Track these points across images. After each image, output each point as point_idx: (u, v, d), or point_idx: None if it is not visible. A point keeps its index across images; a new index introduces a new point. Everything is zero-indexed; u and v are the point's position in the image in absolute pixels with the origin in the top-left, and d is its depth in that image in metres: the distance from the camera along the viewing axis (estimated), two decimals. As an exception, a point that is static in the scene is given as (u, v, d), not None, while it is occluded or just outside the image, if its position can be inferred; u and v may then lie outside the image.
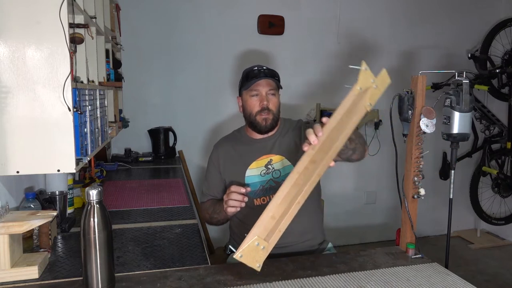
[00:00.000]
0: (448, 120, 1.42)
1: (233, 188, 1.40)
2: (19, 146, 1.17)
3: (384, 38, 3.49)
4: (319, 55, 3.35)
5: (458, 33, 3.65)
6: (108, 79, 2.00)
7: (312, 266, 1.25)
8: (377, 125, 3.33)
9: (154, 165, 2.84)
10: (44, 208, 1.46)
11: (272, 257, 1.18)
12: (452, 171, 1.55)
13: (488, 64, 3.43)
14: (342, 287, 1.12)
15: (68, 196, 1.68)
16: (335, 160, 1.48)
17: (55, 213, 1.24)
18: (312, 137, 1.06)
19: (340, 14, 3.38)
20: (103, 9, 1.91)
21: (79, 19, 1.44)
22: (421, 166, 1.32)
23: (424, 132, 1.30)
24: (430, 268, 1.26)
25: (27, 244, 1.30)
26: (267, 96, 1.60)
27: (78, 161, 1.25)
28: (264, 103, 1.59)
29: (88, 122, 1.40)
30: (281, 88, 1.66)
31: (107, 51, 2.04)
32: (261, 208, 1.06)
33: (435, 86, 3.19)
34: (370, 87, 1.10)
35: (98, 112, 1.60)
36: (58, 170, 1.20)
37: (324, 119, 1.09)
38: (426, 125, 1.28)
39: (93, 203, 1.02)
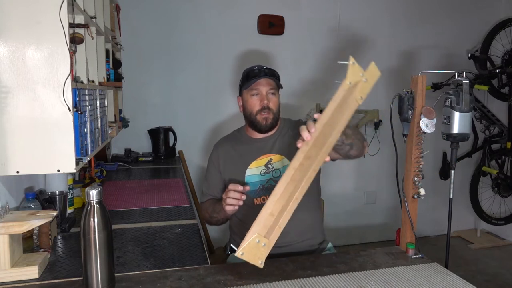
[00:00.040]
0: (448, 120, 1.42)
1: (231, 186, 1.41)
2: (19, 146, 1.17)
3: (384, 38, 3.49)
4: (319, 55, 3.35)
5: (458, 33, 3.65)
6: (108, 79, 2.00)
7: (312, 266, 1.25)
8: (377, 125, 3.33)
9: (154, 165, 2.84)
10: (44, 208, 1.46)
11: (272, 257, 1.18)
12: (452, 171, 1.55)
13: (488, 64, 3.43)
14: (342, 287, 1.12)
15: (68, 196, 1.68)
16: (334, 159, 1.49)
17: (55, 213, 1.24)
18: (305, 134, 1.07)
19: (340, 14, 3.38)
20: (103, 9, 1.91)
21: (79, 19, 1.44)
22: (421, 166, 1.32)
23: (424, 132, 1.30)
24: (430, 268, 1.26)
25: (27, 244, 1.30)
26: (268, 96, 1.61)
27: (78, 161, 1.25)
28: (265, 102, 1.59)
29: (88, 122, 1.40)
30: (281, 87, 1.66)
31: (107, 51, 2.04)
32: (261, 207, 1.07)
33: (435, 86, 3.19)
34: (359, 81, 1.11)
35: (98, 112, 1.60)
36: (58, 170, 1.20)
37: (316, 115, 1.10)
38: (426, 125, 1.28)
39: (93, 203, 1.02)
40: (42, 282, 1.14)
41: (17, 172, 1.18)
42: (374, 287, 1.13)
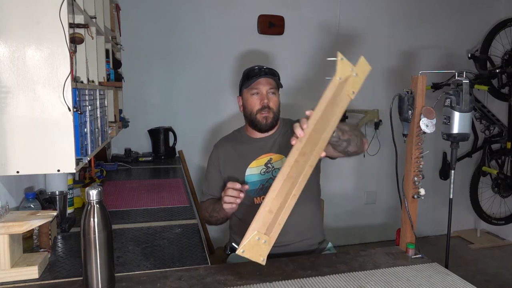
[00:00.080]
0: (448, 120, 1.42)
1: (230, 184, 1.41)
2: (19, 146, 1.17)
3: (384, 38, 3.49)
4: (319, 55, 3.35)
5: (458, 33, 3.65)
6: (108, 79, 2.00)
7: (312, 266, 1.25)
8: (377, 125, 3.33)
9: (154, 165, 2.84)
10: (44, 208, 1.46)
11: (272, 257, 1.18)
12: (452, 171, 1.55)
13: (488, 64, 3.43)
14: (342, 287, 1.12)
15: (68, 196, 1.68)
16: (334, 157, 1.51)
17: (55, 213, 1.24)
18: (298, 131, 1.08)
19: (340, 14, 3.38)
20: (103, 9, 1.91)
21: (79, 19, 1.44)
22: (421, 166, 1.32)
23: (424, 132, 1.30)
24: (430, 268, 1.26)
25: (27, 244, 1.30)
26: (268, 95, 1.61)
27: (78, 161, 1.25)
28: (265, 101, 1.60)
29: (88, 122, 1.40)
30: (282, 87, 1.67)
31: (107, 51, 2.04)
32: None
33: (435, 86, 3.19)
34: (350, 76, 1.12)
35: (98, 112, 1.60)
36: (58, 170, 1.20)
37: (308, 112, 1.11)
38: (426, 125, 1.28)
39: (93, 203, 1.02)
40: (42, 282, 1.14)
41: (17, 172, 1.18)
42: (374, 287, 1.12)
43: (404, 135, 1.35)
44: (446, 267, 1.31)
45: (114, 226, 1.49)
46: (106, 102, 1.87)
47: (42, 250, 1.31)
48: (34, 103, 1.16)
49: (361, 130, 1.52)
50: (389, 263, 1.28)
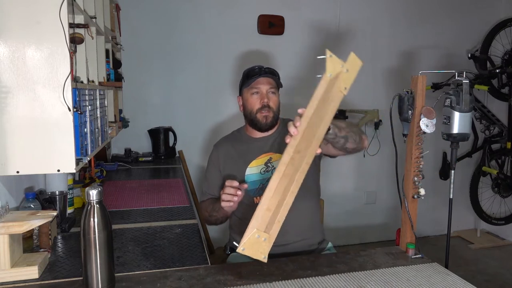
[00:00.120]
0: (448, 120, 1.42)
1: (227, 182, 1.41)
2: (19, 146, 1.17)
3: (384, 38, 3.49)
4: (319, 55, 3.33)
5: (458, 33, 3.65)
6: (108, 79, 2.00)
7: (312, 266, 1.25)
8: (377, 125, 3.33)
9: (154, 165, 2.84)
10: (44, 208, 1.46)
11: (272, 257, 1.18)
12: (452, 171, 1.55)
13: (488, 64, 3.42)
14: (342, 287, 1.12)
15: (68, 196, 1.68)
16: (334, 155, 1.52)
17: (55, 213, 1.24)
18: (291, 129, 1.10)
19: (340, 14, 3.38)
20: (103, 9, 1.91)
21: (79, 19, 1.44)
22: (421, 166, 1.32)
23: (424, 132, 1.30)
24: (430, 268, 1.26)
25: (27, 244, 1.30)
26: (268, 94, 1.62)
27: (78, 161, 1.25)
28: (265, 100, 1.61)
29: (88, 122, 1.40)
30: (281, 86, 1.67)
31: (107, 51, 2.04)
32: None
33: (435, 86, 3.19)
34: (341, 72, 1.13)
35: (98, 112, 1.60)
36: (58, 170, 1.20)
37: (300, 110, 1.12)
38: (426, 125, 1.28)
39: (93, 203, 1.02)
40: (42, 282, 1.14)
41: (17, 172, 1.18)
42: (374, 287, 1.12)
43: (404, 135, 1.35)
44: (446, 267, 1.31)
45: (114, 226, 1.49)
46: (106, 102, 1.87)
47: (42, 250, 1.31)
48: (34, 103, 1.16)
49: (358, 127, 1.53)
50: (389, 263, 1.28)
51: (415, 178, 1.32)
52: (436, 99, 1.43)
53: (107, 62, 2.02)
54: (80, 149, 1.27)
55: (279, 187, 1.09)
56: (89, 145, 1.41)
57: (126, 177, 2.48)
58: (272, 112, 1.63)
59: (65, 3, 1.14)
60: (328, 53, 1.11)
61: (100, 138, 1.62)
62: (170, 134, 3.04)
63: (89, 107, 1.42)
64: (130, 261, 1.28)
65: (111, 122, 2.14)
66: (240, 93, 1.71)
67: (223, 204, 1.41)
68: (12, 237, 1.14)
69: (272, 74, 1.64)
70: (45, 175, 1.71)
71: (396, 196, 1.38)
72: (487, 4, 3.69)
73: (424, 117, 1.29)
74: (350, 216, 3.61)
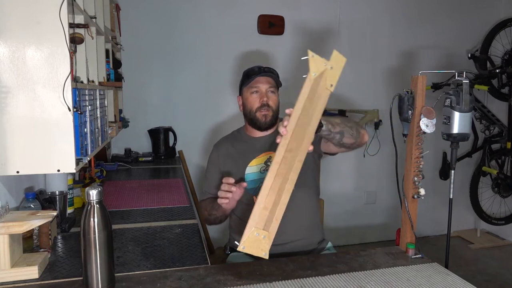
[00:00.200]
0: (448, 120, 1.42)
1: (224, 180, 1.42)
2: (19, 146, 1.17)
3: (384, 38, 3.49)
4: (319, 55, 3.34)
5: (458, 33, 3.65)
6: (108, 79, 2.00)
7: (312, 266, 1.25)
8: (377, 125, 3.33)
9: (154, 165, 2.84)
10: (44, 208, 1.46)
11: (272, 257, 1.19)
12: (452, 171, 1.55)
13: (488, 64, 3.42)
14: (342, 287, 1.12)
15: (68, 196, 1.68)
16: (334, 153, 1.55)
17: (55, 213, 1.24)
18: (281, 129, 1.13)
19: (340, 14, 3.38)
20: (103, 9, 1.91)
21: (79, 19, 1.44)
22: (421, 166, 1.32)
23: (424, 132, 1.30)
24: (430, 268, 1.26)
25: (27, 244, 1.30)
26: (267, 93, 1.63)
27: (78, 161, 1.25)
28: (264, 99, 1.62)
29: (88, 122, 1.40)
30: (281, 85, 1.68)
31: (107, 51, 2.04)
32: None
33: (435, 86, 3.19)
34: (325, 70, 1.16)
35: (98, 112, 1.60)
36: (58, 170, 1.20)
37: (288, 110, 1.16)
38: (426, 125, 1.28)
39: (93, 203, 1.02)
40: (42, 282, 1.14)
41: (17, 172, 1.18)
42: (374, 287, 1.12)
43: (404, 135, 1.35)
44: (446, 267, 1.31)
45: (114, 226, 1.49)
46: (106, 102, 1.87)
47: (42, 250, 1.31)
48: (34, 103, 1.16)
49: (357, 122, 1.54)
50: (389, 263, 1.28)
51: (415, 178, 1.32)
52: (436, 99, 1.43)
53: (107, 62, 2.02)
54: (80, 149, 1.27)
55: (274, 186, 1.12)
56: (89, 145, 1.41)
57: (126, 177, 2.48)
58: (272, 111, 1.63)
59: (65, 3, 1.14)
60: (310, 53, 1.15)
61: (100, 138, 1.62)
62: (170, 134, 3.04)
63: (89, 107, 1.42)
64: (130, 261, 1.28)
65: (111, 122, 2.14)
66: (240, 93, 1.72)
67: (219, 201, 1.43)
68: (12, 237, 1.14)
69: (271, 73, 1.65)
70: (45, 175, 1.71)
71: (396, 196, 1.38)
72: (487, 4, 3.69)
73: (424, 117, 1.29)
74: (350, 216, 3.61)
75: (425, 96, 1.32)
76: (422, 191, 1.33)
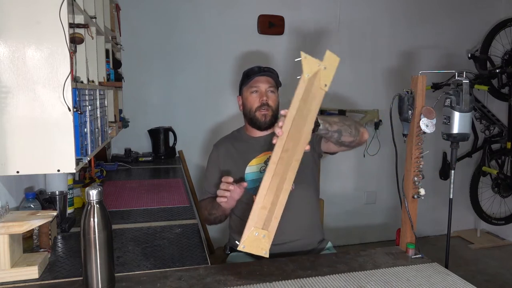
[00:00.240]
0: (448, 120, 1.42)
1: (223, 179, 1.43)
2: (19, 146, 1.17)
3: (384, 38, 3.49)
4: (319, 55, 3.34)
5: (458, 33, 3.65)
6: (108, 79, 2.00)
7: (312, 266, 1.25)
8: (377, 125, 3.33)
9: (154, 165, 2.84)
10: (44, 208, 1.46)
11: (271, 257, 1.19)
12: (452, 171, 1.54)
13: (488, 64, 3.42)
14: (342, 287, 1.12)
15: (68, 196, 1.68)
16: (334, 152, 1.57)
17: (55, 213, 1.24)
18: (276, 130, 1.15)
19: (340, 14, 3.38)
20: (103, 9, 1.91)
21: (79, 19, 1.44)
22: (421, 166, 1.32)
23: (424, 132, 1.30)
24: (430, 268, 1.26)
25: (27, 244, 1.30)
26: (267, 93, 1.63)
27: (78, 161, 1.25)
28: (264, 98, 1.62)
29: (88, 122, 1.40)
30: (281, 85, 1.68)
31: (107, 51, 2.04)
32: None
33: (435, 86, 3.19)
34: (318, 70, 1.18)
35: (98, 112, 1.60)
36: (58, 170, 1.20)
37: (283, 112, 1.18)
38: (426, 125, 1.28)
39: (93, 203, 1.02)
40: (42, 282, 1.14)
41: (17, 172, 1.18)
42: (374, 287, 1.12)
43: (404, 135, 1.35)
44: (446, 267, 1.31)
45: (114, 226, 1.49)
46: (106, 102, 1.87)
47: (42, 250, 1.31)
48: (34, 103, 1.16)
49: (357, 121, 1.54)
50: (389, 263, 1.28)
51: (415, 178, 1.32)
52: (436, 99, 1.43)
53: (107, 62, 2.03)
54: (80, 149, 1.27)
55: (271, 186, 1.13)
56: (89, 145, 1.41)
57: (126, 177, 2.48)
58: (271, 110, 1.64)
59: (65, 3, 1.14)
60: (303, 55, 1.17)
61: (100, 138, 1.62)
62: (170, 134, 3.04)
63: (89, 107, 1.42)
64: (130, 261, 1.28)
65: (111, 122, 2.14)
66: (240, 93, 1.72)
67: (218, 199, 1.43)
68: (12, 237, 1.14)
69: (271, 73, 1.65)
70: (45, 175, 1.71)
71: (396, 196, 1.38)
72: (487, 4, 3.69)
73: (424, 117, 1.29)
74: (350, 216, 3.61)
75: (425, 96, 1.32)
76: (422, 191, 1.33)
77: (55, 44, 1.15)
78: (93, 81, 1.67)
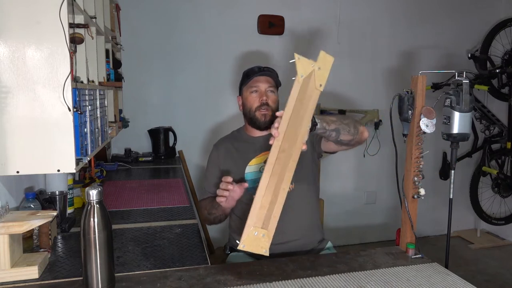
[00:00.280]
0: (448, 120, 1.42)
1: (223, 178, 1.44)
2: (19, 146, 1.17)
3: (384, 38, 3.49)
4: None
5: (458, 33, 3.65)
6: (108, 79, 2.00)
7: (312, 266, 1.25)
8: (377, 125, 3.33)
9: (154, 165, 2.84)
10: (44, 208, 1.46)
11: (271, 257, 1.19)
12: (452, 171, 1.54)
13: (488, 64, 3.42)
14: (342, 287, 1.12)
15: (68, 196, 1.68)
16: (334, 151, 1.58)
17: (55, 213, 1.24)
18: (273, 130, 1.16)
19: (340, 14, 3.38)
20: (103, 9, 1.91)
21: (79, 19, 1.44)
22: (421, 166, 1.32)
23: (424, 132, 1.30)
24: (430, 268, 1.26)
25: (27, 244, 1.30)
26: (267, 93, 1.64)
27: (78, 161, 1.25)
28: (264, 98, 1.62)
29: (88, 122, 1.40)
30: (280, 85, 1.68)
31: (107, 51, 2.04)
32: None
33: (435, 86, 3.19)
34: (313, 71, 1.18)
35: (98, 112, 1.60)
36: (58, 170, 1.20)
37: (278, 113, 1.19)
38: (426, 125, 1.28)
39: (93, 203, 1.02)
40: (42, 282, 1.14)
41: (17, 172, 1.18)
42: (374, 287, 1.12)
43: (404, 135, 1.35)
44: (446, 267, 1.31)
45: (114, 226, 1.49)
46: (106, 102, 1.87)
47: (42, 250, 1.31)
48: (34, 103, 1.16)
49: (356, 119, 1.55)
50: (389, 263, 1.28)
51: (415, 178, 1.32)
52: (436, 99, 1.43)
53: (107, 62, 2.03)
54: (80, 149, 1.27)
55: (269, 186, 1.14)
56: (89, 145, 1.41)
57: (126, 177, 2.48)
58: (271, 110, 1.64)
59: (65, 3, 1.14)
60: (296, 56, 1.17)
61: (100, 138, 1.62)
62: (170, 134, 3.04)
63: (89, 107, 1.42)
64: (130, 261, 1.28)
65: (111, 122, 2.14)
66: (240, 93, 1.72)
67: (217, 199, 1.44)
68: (12, 237, 1.14)
69: (271, 73, 1.66)
70: (45, 175, 1.71)
71: (396, 196, 1.38)
72: (487, 4, 3.69)
73: (424, 117, 1.29)
74: (350, 216, 3.61)
75: (425, 96, 1.32)
76: (422, 191, 1.33)
77: (55, 44, 1.15)
78: (93, 81, 1.67)
